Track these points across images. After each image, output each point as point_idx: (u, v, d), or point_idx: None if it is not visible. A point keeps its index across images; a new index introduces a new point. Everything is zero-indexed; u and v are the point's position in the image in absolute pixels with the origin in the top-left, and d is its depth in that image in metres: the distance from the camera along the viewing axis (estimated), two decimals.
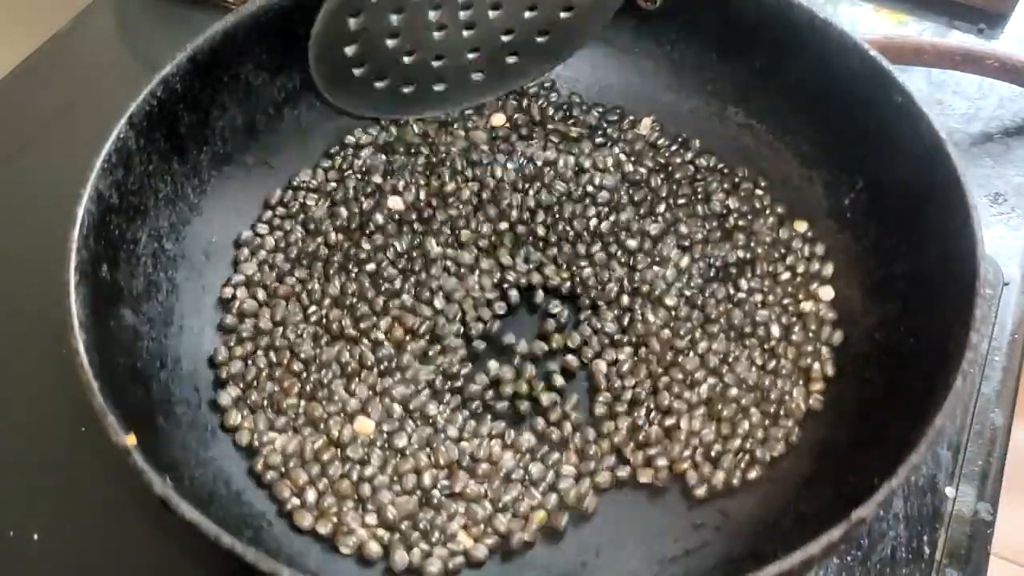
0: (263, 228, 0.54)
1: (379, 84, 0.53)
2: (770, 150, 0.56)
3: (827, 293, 0.52)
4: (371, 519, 0.45)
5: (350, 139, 0.58)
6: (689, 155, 0.57)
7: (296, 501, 0.45)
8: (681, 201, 0.55)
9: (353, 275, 0.52)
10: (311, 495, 0.45)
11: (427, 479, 0.46)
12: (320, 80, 0.52)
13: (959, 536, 0.48)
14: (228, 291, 0.52)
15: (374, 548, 0.44)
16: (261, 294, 0.52)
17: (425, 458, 0.47)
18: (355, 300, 0.52)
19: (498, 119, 0.58)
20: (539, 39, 0.55)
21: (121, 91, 0.48)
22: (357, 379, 0.49)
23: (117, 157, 0.46)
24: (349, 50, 0.50)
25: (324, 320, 0.51)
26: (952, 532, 0.48)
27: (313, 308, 0.51)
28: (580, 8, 0.54)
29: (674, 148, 0.58)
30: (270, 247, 0.53)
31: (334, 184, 0.56)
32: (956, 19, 0.70)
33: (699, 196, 0.56)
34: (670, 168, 0.57)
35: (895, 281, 0.50)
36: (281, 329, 0.50)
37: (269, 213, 0.55)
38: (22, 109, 0.65)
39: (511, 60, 0.55)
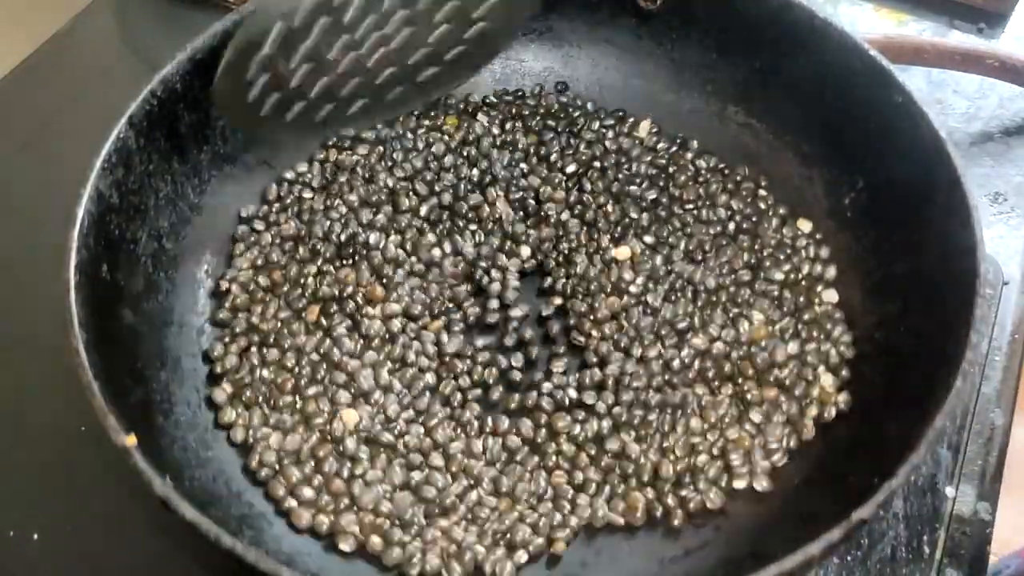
0: (259, 224, 0.54)
1: (290, 114, 0.50)
2: (770, 150, 0.56)
3: (831, 296, 0.52)
4: (367, 516, 0.45)
5: (346, 131, 0.57)
6: (689, 155, 0.57)
7: (292, 501, 0.45)
8: (689, 207, 0.55)
9: (349, 264, 0.53)
10: (307, 492, 0.45)
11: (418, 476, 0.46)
12: (232, 119, 0.51)
13: (959, 536, 0.48)
14: (224, 284, 0.52)
15: (376, 542, 0.44)
16: (255, 287, 0.52)
17: (418, 456, 0.47)
18: (352, 291, 0.52)
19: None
20: (452, 52, 0.53)
21: (121, 91, 0.48)
22: (352, 370, 0.49)
23: (117, 157, 0.46)
24: (253, 92, 0.48)
25: (320, 314, 0.51)
26: (952, 532, 0.48)
27: (305, 302, 0.51)
28: (490, 22, 0.52)
29: (673, 150, 0.58)
30: (266, 242, 0.53)
31: (329, 177, 0.56)
32: (956, 19, 0.70)
33: (705, 202, 0.55)
34: (671, 170, 0.57)
35: (895, 281, 0.49)
36: (276, 323, 0.50)
37: (264, 208, 0.55)
38: (22, 109, 0.65)
39: (429, 72, 0.53)
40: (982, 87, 0.65)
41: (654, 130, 0.59)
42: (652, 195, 0.56)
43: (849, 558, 0.46)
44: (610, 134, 0.58)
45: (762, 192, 0.56)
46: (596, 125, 0.59)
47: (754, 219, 0.55)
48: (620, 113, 0.59)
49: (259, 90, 0.48)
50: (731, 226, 0.54)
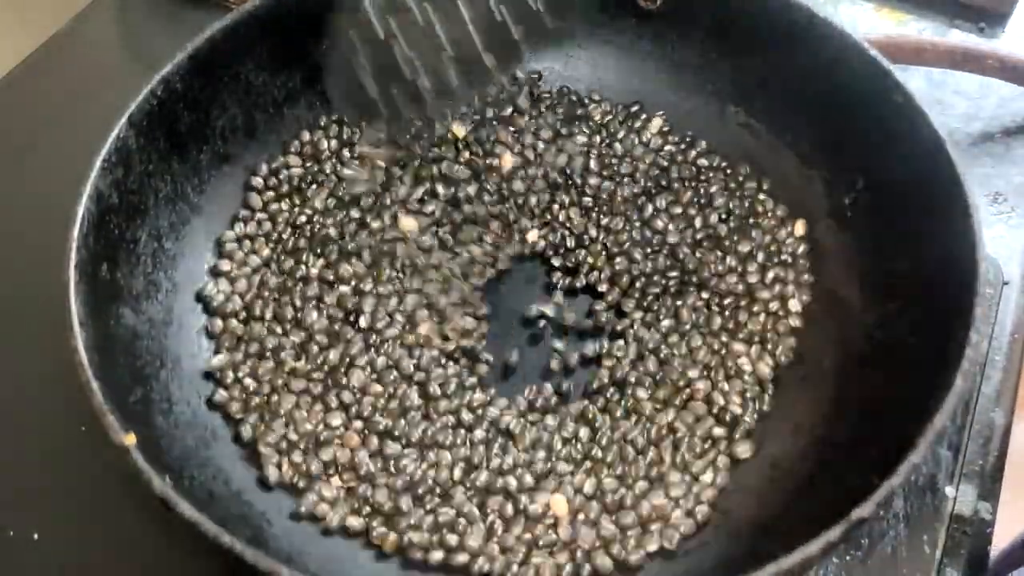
0: (245, 213, 0.54)
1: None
2: (770, 150, 0.56)
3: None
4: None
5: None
6: (692, 154, 0.57)
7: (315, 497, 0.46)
8: (691, 208, 0.55)
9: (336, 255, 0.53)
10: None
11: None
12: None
13: (959, 536, 0.48)
14: (211, 288, 0.51)
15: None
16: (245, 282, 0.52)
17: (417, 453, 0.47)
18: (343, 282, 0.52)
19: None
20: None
21: (121, 91, 0.48)
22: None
23: (117, 156, 0.46)
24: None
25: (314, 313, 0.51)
26: (952, 532, 0.48)
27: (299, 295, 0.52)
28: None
29: (682, 147, 0.58)
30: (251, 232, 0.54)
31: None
32: (956, 18, 0.70)
33: (702, 201, 0.55)
34: (671, 171, 0.57)
35: (895, 281, 0.49)
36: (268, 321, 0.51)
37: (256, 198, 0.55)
38: (22, 109, 0.65)
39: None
40: (982, 87, 0.65)
41: (666, 128, 0.58)
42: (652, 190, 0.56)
43: (849, 558, 0.46)
44: (621, 133, 0.58)
45: (762, 196, 0.55)
46: (607, 120, 0.59)
47: (751, 220, 0.55)
48: (635, 108, 0.59)
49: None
50: (729, 226, 0.55)
